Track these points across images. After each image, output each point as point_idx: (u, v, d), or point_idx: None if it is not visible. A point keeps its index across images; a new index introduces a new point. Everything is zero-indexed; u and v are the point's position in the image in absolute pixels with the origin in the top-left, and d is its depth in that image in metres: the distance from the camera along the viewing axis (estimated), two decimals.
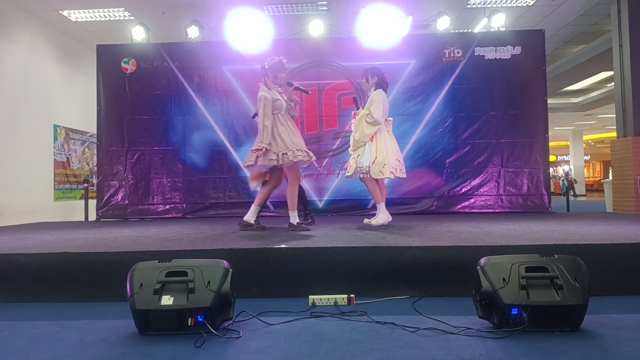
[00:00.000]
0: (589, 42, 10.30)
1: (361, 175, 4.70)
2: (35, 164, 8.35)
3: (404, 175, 4.98)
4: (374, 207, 7.06)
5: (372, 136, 4.70)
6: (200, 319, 2.29)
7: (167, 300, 2.26)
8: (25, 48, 8.19)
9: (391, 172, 4.65)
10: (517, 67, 6.98)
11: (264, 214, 6.97)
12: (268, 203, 7.07)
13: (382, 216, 4.76)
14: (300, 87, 4.59)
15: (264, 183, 4.54)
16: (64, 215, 8.79)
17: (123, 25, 8.31)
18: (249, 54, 6.92)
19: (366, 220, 4.89)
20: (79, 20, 8.44)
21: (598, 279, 2.81)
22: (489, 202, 6.95)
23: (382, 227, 4.62)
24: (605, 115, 17.99)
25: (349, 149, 4.99)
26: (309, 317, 2.60)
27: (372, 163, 4.61)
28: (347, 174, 4.92)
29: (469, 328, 2.31)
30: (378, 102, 4.66)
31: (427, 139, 6.99)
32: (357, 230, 4.31)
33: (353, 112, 5.01)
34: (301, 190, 5.13)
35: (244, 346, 2.15)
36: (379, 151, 4.64)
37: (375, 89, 4.81)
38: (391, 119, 4.97)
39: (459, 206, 6.93)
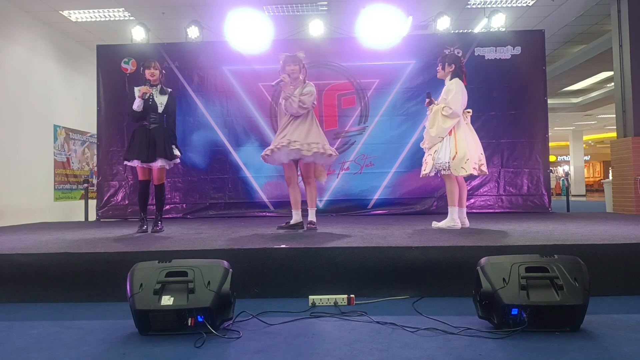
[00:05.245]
0: (589, 42, 10.30)
1: (442, 172, 4.32)
2: (35, 164, 8.34)
3: (486, 172, 4.52)
4: (374, 207, 7.16)
5: (450, 130, 4.31)
6: (200, 319, 2.29)
7: (167, 300, 2.26)
8: (25, 48, 8.19)
9: (474, 167, 4.27)
10: (517, 67, 6.98)
11: (264, 214, 6.99)
12: (268, 203, 7.13)
13: (449, 221, 4.38)
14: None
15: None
16: (64, 215, 8.78)
17: (123, 25, 8.31)
18: (249, 54, 6.93)
19: (434, 224, 4.54)
20: (79, 20, 8.44)
21: (598, 279, 2.81)
22: (489, 202, 6.95)
23: (382, 227, 4.60)
24: (605, 115, 17.97)
25: (423, 145, 4.60)
26: (309, 317, 2.59)
27: (453, 159, 4.24)
28: (422, 173, 4.47)
29: (469, 328, 2.31)
30: (456, 92, 4.29)
31: None
32: (357, 230, 4.31)
33: (429, 106, 4.58)
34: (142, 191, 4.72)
35: (244, 346, 2.14)
36: (459, 145, 4.25)
37: (451, 79, 4.42)
38: (470, 110, 4.57)
39: None
